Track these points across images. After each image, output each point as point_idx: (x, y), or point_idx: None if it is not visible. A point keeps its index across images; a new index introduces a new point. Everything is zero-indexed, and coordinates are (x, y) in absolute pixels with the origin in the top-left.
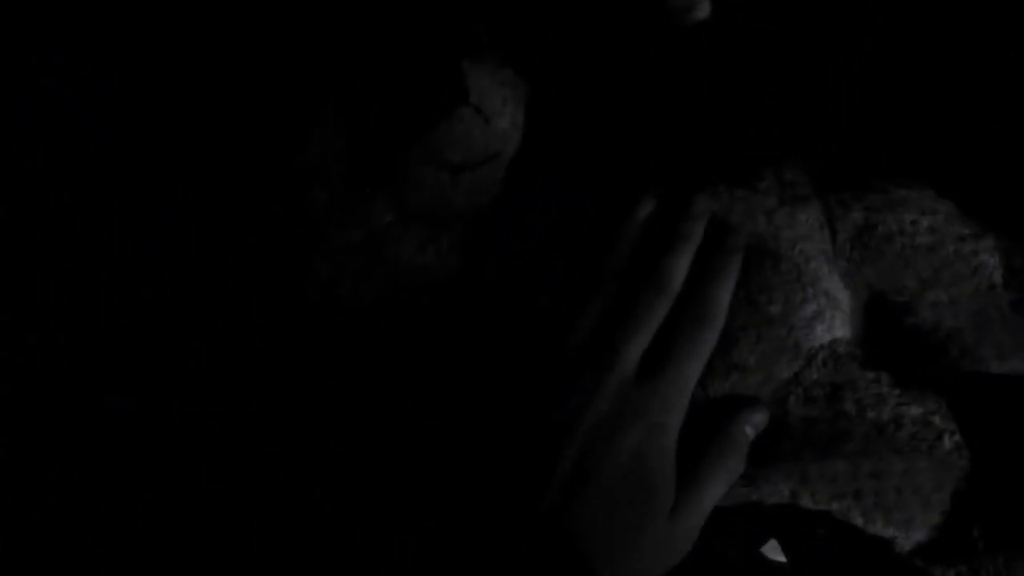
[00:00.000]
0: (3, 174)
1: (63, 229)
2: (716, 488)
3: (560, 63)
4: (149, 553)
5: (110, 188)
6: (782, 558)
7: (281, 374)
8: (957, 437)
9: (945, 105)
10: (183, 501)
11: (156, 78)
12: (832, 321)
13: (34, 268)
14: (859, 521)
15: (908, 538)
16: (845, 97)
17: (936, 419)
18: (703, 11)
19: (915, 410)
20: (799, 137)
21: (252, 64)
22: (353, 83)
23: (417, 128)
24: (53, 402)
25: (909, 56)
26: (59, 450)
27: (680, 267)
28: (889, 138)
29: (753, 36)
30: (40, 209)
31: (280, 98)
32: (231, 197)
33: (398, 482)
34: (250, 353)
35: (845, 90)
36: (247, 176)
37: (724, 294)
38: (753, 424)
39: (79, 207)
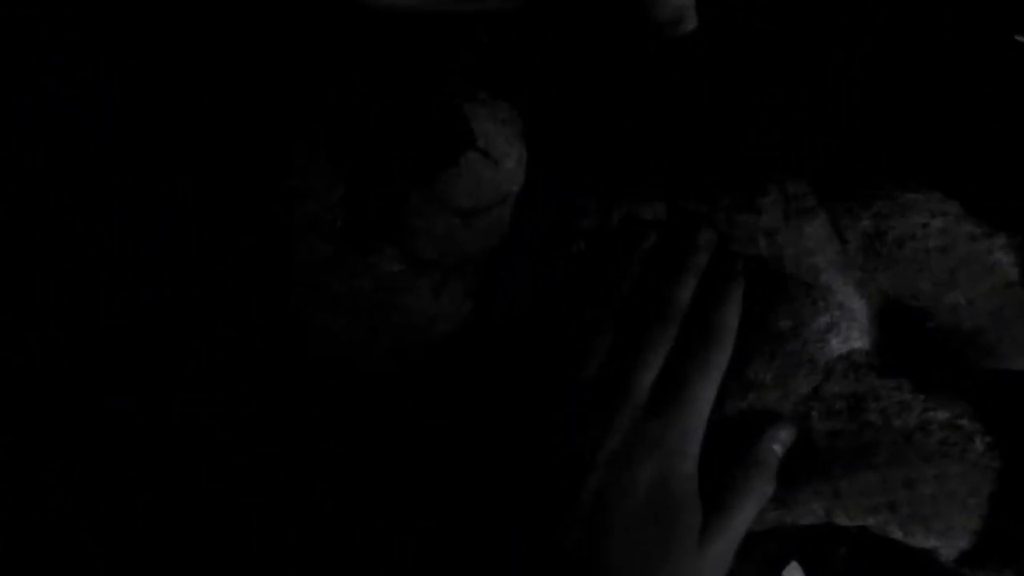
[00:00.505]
0: (3, 174)
1: (63, 229)
2: (747, 511)
3: (557, 67)
4: (149, 553)
5: (110, 188)
6: None
7: (282, 374)
8: (988, 438)
9: (945, 104)
10: (183, 501)
11: (156, 78)
12: (848, 332)
13: (34, 268)
14: (898, 534)
15: (950, 546)
16: (845, 97)
17: (964, 422)
18: (690, 23)
19: (942, 414)
20: (799, 137)
21: (252, 67)
22: (347, 131)
23: (425, 177)
24: (53, 402)
25: (909, 56)
26: (59, 450)
27: (685, 295)
28: (891, 139)
29: (753, 36)
30: (40, 209)
31: (269, 151)
32: (231, 197)
33: (398, 482)
34: (250, 353)
35: (845, 90)
36: (243, 221)
37: (731, 316)
38: (780, 441)
39: (79, 207)
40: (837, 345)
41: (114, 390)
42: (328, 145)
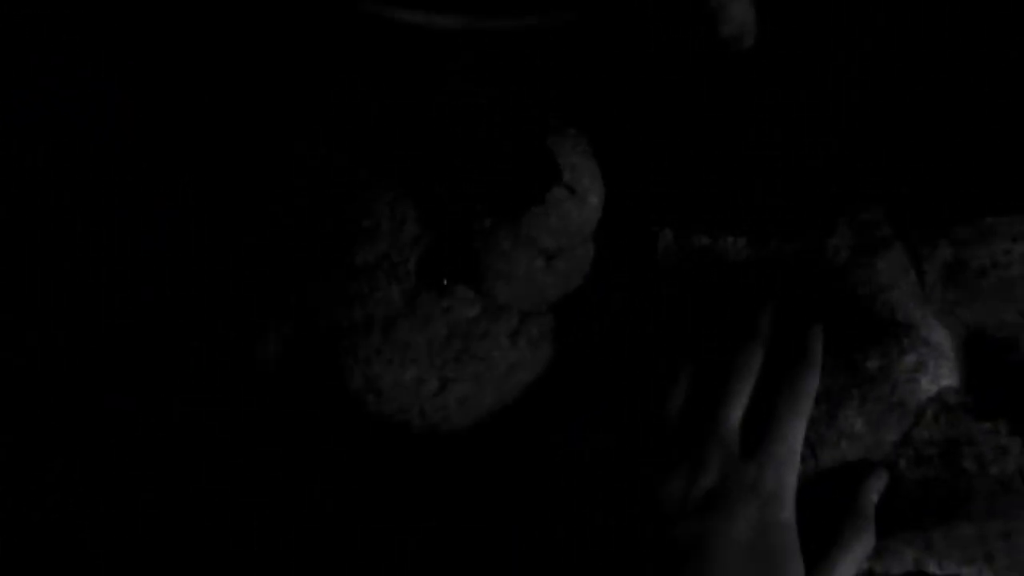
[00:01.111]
0: (3, 174)
1: (63, 229)
2: (852, 566)
3: (622, 93)
4: (149, 553)
5: (110, 188)
6: None
7: (281, 375)
8: None
9: (949, 106)
10: (183, 501)
11: (156, 78)
12: (937, 370)
13: (34, 268)
14: None
15: None
16: (846, 97)
17: None
18: (750, 39)
19: None
20: (800, 136)
21: (253, 66)
22: (421, 165)
23: (510, 215)
24: (53, 402)
25: (911, 56)
26: (59, 450)
27: (767, 323)
28: (929, 144)
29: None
30: (40, 209)
31: (334, 184)
32: (231, 197)
33: (398, 482)
34: (249, 353)
35: (846, 90)
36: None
37: (815, 342)
38: (876, 491)
39: (79, 207)
40: (926, 385)
41: (114, 390)
42: (400, 180)
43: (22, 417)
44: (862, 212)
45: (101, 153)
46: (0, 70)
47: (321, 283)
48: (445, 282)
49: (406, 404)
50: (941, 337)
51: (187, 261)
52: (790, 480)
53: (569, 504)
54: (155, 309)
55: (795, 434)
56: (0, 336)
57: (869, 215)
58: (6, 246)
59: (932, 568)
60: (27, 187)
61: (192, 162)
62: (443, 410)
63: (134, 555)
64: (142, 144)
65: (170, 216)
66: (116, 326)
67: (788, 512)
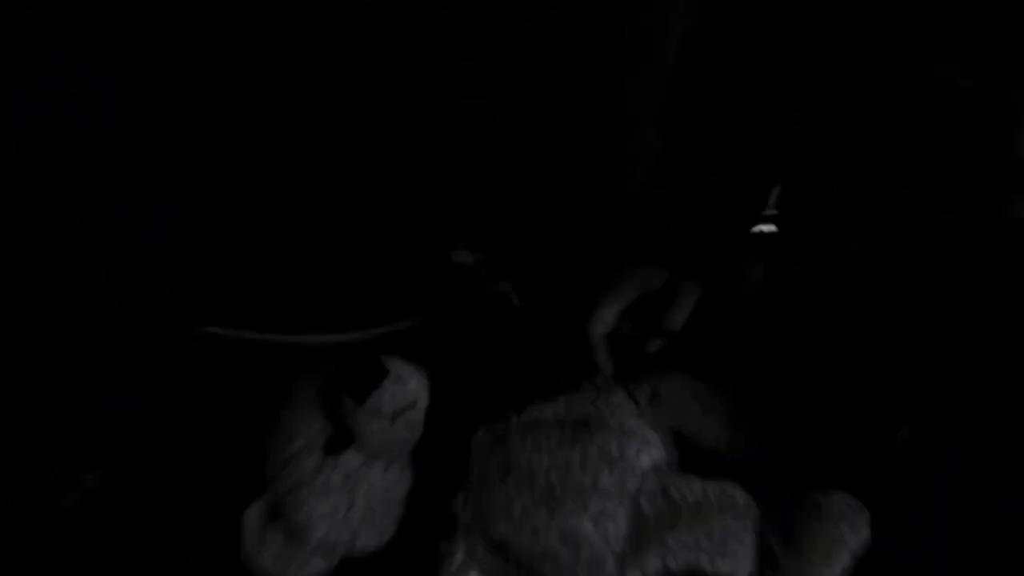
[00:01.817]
0: (3, 174)
1: (63, 229)
2: None
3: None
4: (149, 553)
5: (110, 188)
6: None
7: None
8: (745, 496)
9: (941, 107)
10: (183, 501)
11: (156, 78)
12: (650, 452)
13: (34, 268)
14: (708, 566)
15: (742, 570)
16: (845, 97)
17: (730, 488)
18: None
19: (714, 487)
20: (798, 137)
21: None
22: (313, 384)
23: (362, 398)
24: (53, 402)
25: (908, 56)
26: (59, 450)
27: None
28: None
29: (752, 36)
30: (40, 209)
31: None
32: (231, 197)
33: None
34: (250, 353)
35: (845, 90)
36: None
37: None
38: None
39: (79, 207)
40: (646, 460)
41: (114, 390)
42: (303, 400)
43: (22, 417)
44: (590, 376)
45: (101, 153)
46: (0, 70)
47: (273, 465)
48: (340, 449)
49: (330, 527)
50: (651, 436)
51: (187, 261)
52: None
53: None
54: (155, 309)
55: None
56: (0, 336)
57: (601, 379)
58: (6, 246)
59: (669, 559)
60: (27, 187)
61: (192, 162)
62: (351, 525)
63: (134, 555)
64: (142, 144)
65: (170, 216)
66: (116, 326)
67: None
